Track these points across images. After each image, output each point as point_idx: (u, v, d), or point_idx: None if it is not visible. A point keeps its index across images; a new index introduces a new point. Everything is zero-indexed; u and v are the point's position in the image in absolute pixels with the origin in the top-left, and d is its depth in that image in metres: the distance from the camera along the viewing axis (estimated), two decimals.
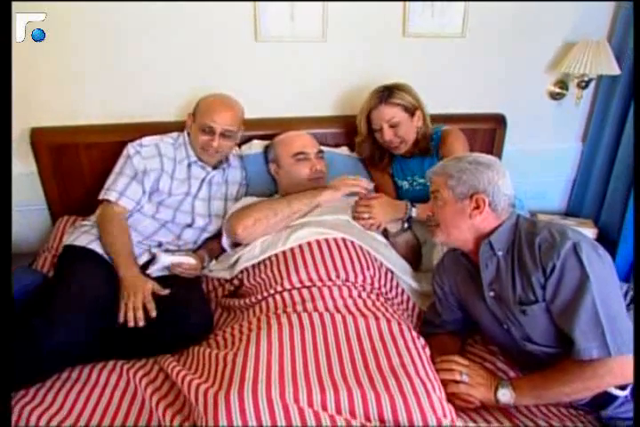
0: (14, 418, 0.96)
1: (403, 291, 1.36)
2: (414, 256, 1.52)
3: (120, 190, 1.39)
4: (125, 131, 1.67)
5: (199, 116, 1.45)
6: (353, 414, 0.86)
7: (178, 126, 1.60)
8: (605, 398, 1.01)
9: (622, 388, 0.98)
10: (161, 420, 0.96)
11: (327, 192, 1.42)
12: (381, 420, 0.85)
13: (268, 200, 1.48)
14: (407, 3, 1.71)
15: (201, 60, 1.67)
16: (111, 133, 1.68)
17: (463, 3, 1.75)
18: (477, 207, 1.06)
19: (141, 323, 1.15)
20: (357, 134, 1.63)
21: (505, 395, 0.99)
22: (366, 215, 1.41)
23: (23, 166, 1.68)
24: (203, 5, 1.59)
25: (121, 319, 1.16)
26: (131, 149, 1.45)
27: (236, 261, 1.40)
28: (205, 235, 1.54)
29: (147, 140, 1.48)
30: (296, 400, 0.86)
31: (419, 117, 1.54)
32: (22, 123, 1.63)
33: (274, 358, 0.96)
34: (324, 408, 0.86)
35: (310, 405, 0.86)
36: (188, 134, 1.52)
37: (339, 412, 0.86)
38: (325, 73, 1.77)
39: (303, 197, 1.42)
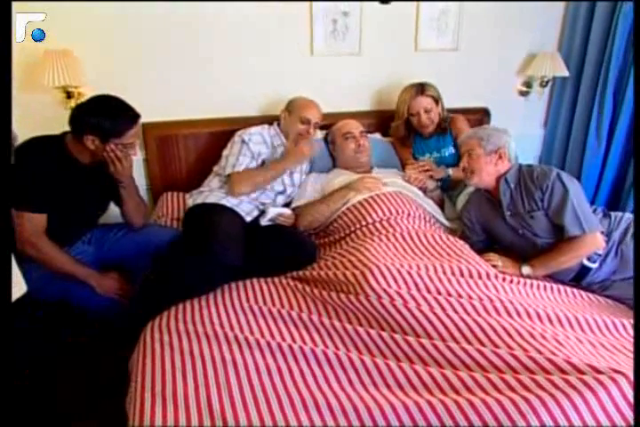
0: (212, 307, 1.42)
1: (440, 225, 1.93)
2: (440, 208, 2.11)
3: (246, 165, 1.85)
4: (214, 124, 2.18)
5: (298, 112, 1.95)
6: (444, 272, 1.42)
7: (257, 120, 2.10)
8: (584, 272, 1.62)
9: (594, 261, 1.59)
10: (315, 298, 1.45)
11: (352, 193, 1.89)
12: (461, 274, 1.43)
13: (319, 202, 1.92)
14: (418, 27, 2.34)
15: (272, 70, 2.21)
16: (203, 126, 2.18)
17: (457, 26, 2.39)
18: (500, 158, 1.64)
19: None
20: (395, 119, 2.19)
21: (526, 269, 1.59)
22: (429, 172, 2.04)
23: None
24: (274, 30, 2.15)
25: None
26: (244, 136, 1.90)
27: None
28: (288, 199, 2.05)
29: (252, 130, 1.94)
30: (410, 267, 1.42)
31: (441, 106, 2.14)
32: None
33: (383, 250, 1.52)
34: (427, 270, 1.43)
35: (419, 269, 1.43)
36: (278, 125, 2.02)
37: (426, 270, 1.43)
38: (361, 78, 2.36)
39: (336, 197, 1.88)
